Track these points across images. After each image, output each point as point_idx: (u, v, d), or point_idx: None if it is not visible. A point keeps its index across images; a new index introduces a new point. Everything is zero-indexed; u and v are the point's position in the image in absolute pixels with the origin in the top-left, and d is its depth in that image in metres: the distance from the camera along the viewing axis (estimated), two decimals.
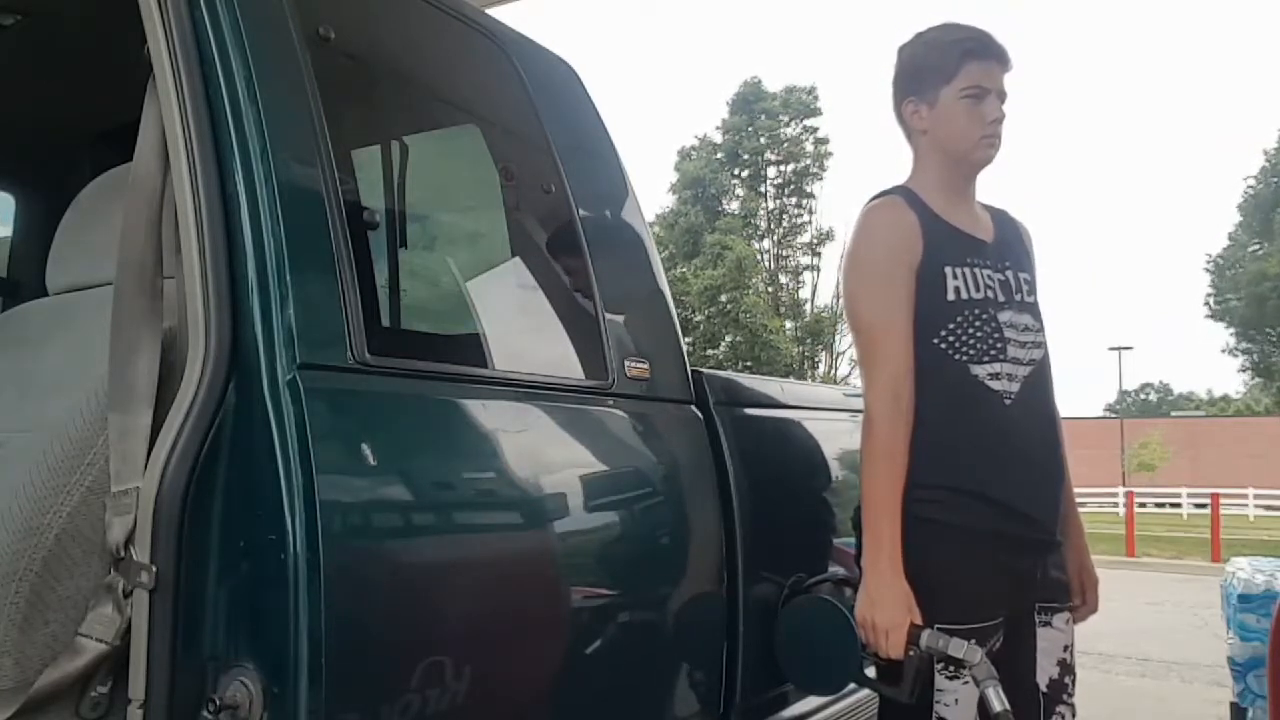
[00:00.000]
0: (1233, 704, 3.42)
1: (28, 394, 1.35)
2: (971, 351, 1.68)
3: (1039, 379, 1.74)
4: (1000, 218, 1.87)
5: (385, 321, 1.33)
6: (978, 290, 1.70)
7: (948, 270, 1.69)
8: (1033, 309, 1.79)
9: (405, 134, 1.58)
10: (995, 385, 1.68)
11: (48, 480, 1.17)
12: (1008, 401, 1.68)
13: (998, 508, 1.65)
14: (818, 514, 2.10)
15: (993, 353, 1.68)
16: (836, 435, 2.28)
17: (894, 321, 1.67)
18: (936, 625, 1.56)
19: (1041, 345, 1.77)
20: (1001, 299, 1.73)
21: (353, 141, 1.41)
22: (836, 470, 2.19)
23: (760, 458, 1.90)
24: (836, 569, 1.96)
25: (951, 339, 1.68)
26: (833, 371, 31.99)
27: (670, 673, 1.61)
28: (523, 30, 1.77)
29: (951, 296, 1.69)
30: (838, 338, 32.72)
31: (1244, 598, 3.42)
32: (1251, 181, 40.48)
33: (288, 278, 1.12)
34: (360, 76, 1.45)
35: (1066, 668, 1.75)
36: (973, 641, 1.53)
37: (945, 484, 1.65)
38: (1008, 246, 1.82)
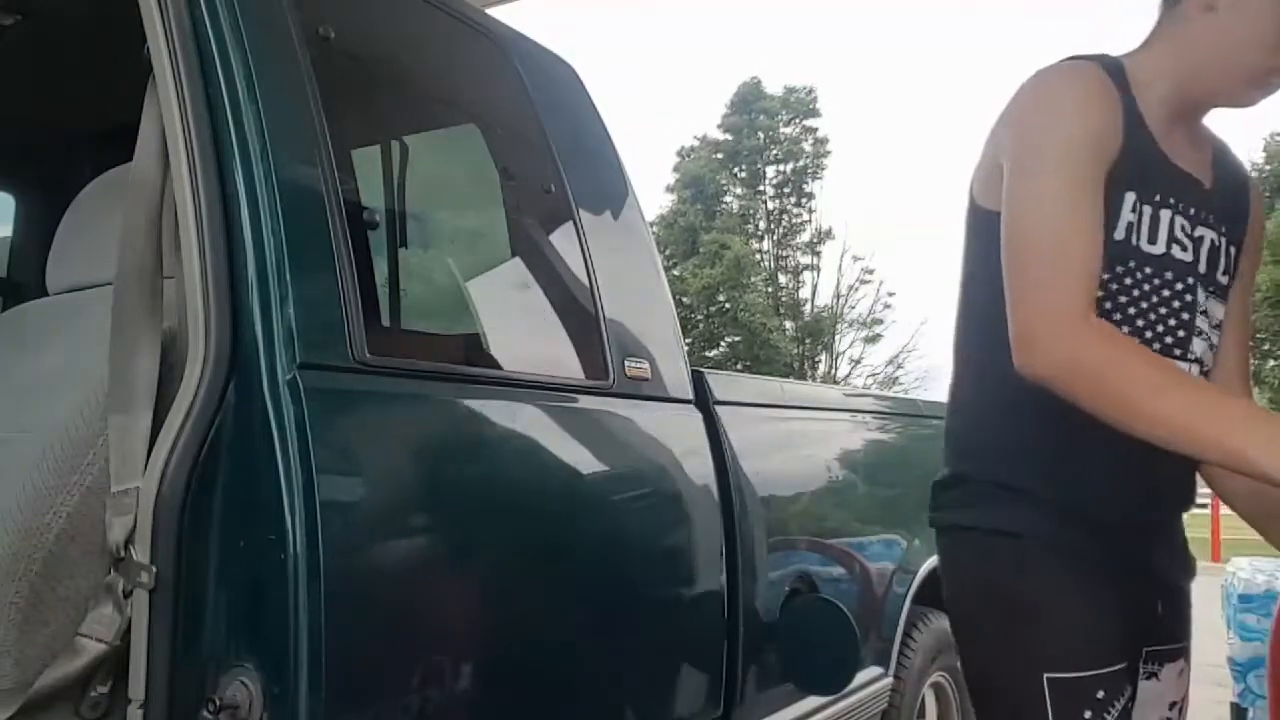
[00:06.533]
0: (1233, 704, 3.41)
1: (28, 394, 1.35)
2: (1148, 329, 1.16)
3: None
4: (1223, 159, 1.25)
5: (385, 321, 1.33)
6: (1170, 245, 1.17)
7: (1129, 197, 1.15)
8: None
9: (405, 134, 1.58)
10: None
11: (48, 480, 1.17)
12: None
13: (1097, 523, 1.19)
14: (818, 514, 2.10)
15: (1178, 337, 1.17)
16: (836, 435, 2.28)
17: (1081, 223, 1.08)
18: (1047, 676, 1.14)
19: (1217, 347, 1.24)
20: (1203, 271, 1.19)
21: (353, 141, 1.41)
22: (836, 470, 2.19)
23: (760, 458, 1.90)
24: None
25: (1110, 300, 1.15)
26: (833, 371, 31.94)
27: (671, 673, 1.61)
28: (523, 30, 1.77)
29: (1120, 235, 1.15)
30: (838, 338, 32.72)
31: (1244, 598, 3.41)
32: None
33: (287, 277, 1.12)
34: (360, 76, 1.45)
35: None
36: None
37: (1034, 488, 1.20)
38: (1231, 200, 1.24)
